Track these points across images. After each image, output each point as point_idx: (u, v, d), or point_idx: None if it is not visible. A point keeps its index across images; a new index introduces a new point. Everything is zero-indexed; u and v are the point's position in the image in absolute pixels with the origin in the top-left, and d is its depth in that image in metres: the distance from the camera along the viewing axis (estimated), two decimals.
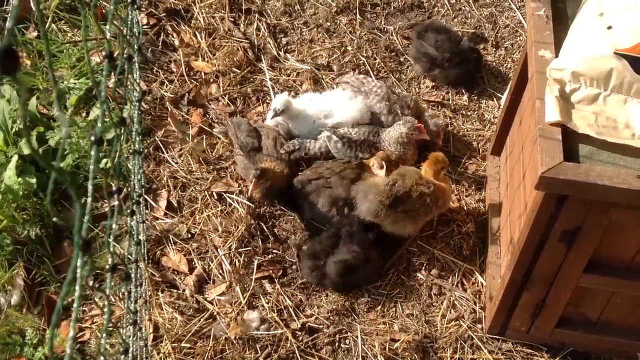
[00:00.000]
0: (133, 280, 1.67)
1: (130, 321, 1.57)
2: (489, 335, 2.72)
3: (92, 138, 0.95)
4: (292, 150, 3.12)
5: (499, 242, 2.88)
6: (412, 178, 2.81)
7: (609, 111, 2.21)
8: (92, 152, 0.98)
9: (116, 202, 1.27)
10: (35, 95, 3.25)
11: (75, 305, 0.85)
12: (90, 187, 1.01)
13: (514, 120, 2.98)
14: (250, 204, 3.03)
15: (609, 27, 2.25)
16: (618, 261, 2.32)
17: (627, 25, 2.23)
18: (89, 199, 1.01)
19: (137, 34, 2.13)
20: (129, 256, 1.81)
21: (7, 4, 3.69)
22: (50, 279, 2.76)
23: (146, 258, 2.77)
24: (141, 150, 1.95)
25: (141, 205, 2.29)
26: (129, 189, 2.08)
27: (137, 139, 1.87)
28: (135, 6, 1.81)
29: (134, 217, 1.67)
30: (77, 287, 0.76)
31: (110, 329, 2.54)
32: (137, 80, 1.83)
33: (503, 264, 2.73)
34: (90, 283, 2.75)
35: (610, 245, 2.27)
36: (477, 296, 2.85)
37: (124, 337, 1.44)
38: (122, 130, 1.49)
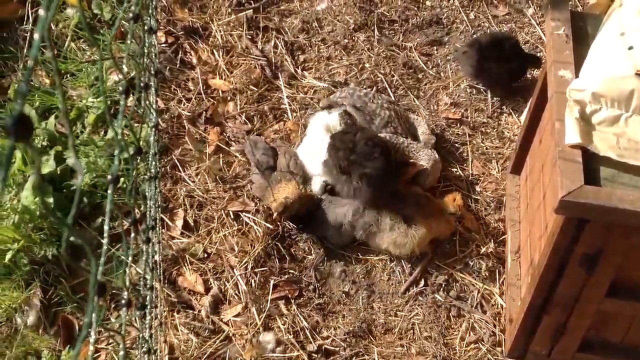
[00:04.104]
0: (148, 307, 1.66)
1: (144, 349, 1.56)
2: (509, 359, 2.68)
3: (109, 177, 0.94)
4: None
5: (519, 263, 2.84)
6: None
7: (631, 133, 2.17)
8: (109, 191, 0.96)
9: (132, 234, 1.26)
10: (54, 115, 3.27)
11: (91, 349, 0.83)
12: (106, 228, 1.00)
13: (534, 139, 2.94)
14: (269, 225, 3.00)
15: (630, 48, 2.22)
16: None
17: None
18: (105, 240, 1.00)
19: (154, 55, 2.13)
20: (145, 276, 1.80)
21: (27, 23, 3.72)
22: (67, 299, 2.76)
23: (162, 278, 2.77)
24: (157, 175, 1.95)
25: (157, 227, 2.29)
26: (147, 209, 2.07)
27: (154, 163, 1.86)
28: (153, 31, 1.81)
29: (149, 245, 1.66)
30: (91, 344, 0.75)
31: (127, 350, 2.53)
32: (154, 106, 1.83)
33: (523, 286, 2.69)
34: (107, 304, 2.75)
35: (632, 269, 2.23)
36: (497, 318, 2.81)
37: None
38: (138, 160, 1.48)
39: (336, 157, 2.88)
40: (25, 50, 3.60)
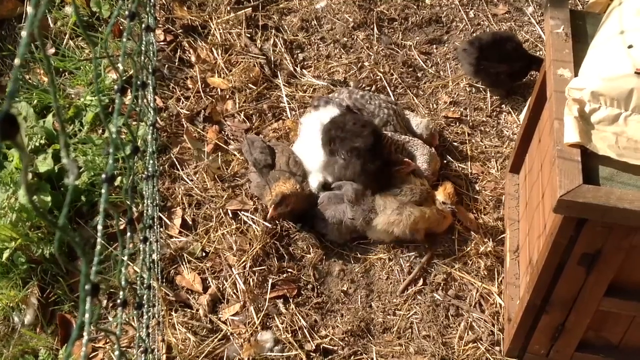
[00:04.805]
0: (145, 306, 1.65)
1: (142, 349, 1.55)
2: (508, 358, 2.67)
3: (103, 176, 0.94)
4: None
5: (518, 262, 2.83)
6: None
7: (630, 132, 2.16)
8: (103, 191, 0.96)
9: (128, 233, 1.25)
10: (52, 113, 3.26)
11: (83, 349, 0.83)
12: (99, 227, 0.99)
13: (533, 138, 2.93)
14: (267, 224, 3.00)
15: (630, 46, 2.21)
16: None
17: None
18: (99, 239, 1.00)
19: (152, 53, 2.12)
20: (143, 275, 1.79)
21: (25, 21, 3.71)
22: (64, 297, 2.75)
23: (160, 277, 2.76)
24: (155, 174, 1.94)
25: (155, 226, 2.28)
26: (144, 208, 2.06)
27: (151, 162, 1.85)
28: (151, 29, 1.80)
29: (147, 244, 1.65)
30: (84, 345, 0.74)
31: (123, 349, 2.52)
32: (152, 105, 1.82)
33: (522, 285, 2.68)
34: (104, 302, 2.74)
35: (631, 269, 2.22)
36: (495, 318, 2.80)
37: None
38: (134, 159, 1.47)
39: (327, 136, 2.98)
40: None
